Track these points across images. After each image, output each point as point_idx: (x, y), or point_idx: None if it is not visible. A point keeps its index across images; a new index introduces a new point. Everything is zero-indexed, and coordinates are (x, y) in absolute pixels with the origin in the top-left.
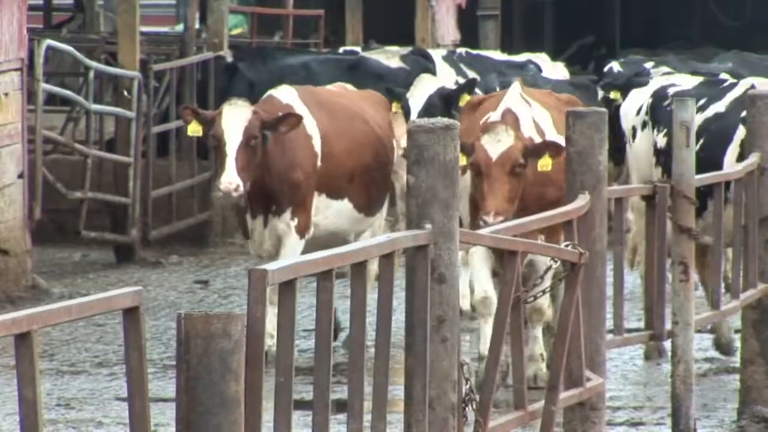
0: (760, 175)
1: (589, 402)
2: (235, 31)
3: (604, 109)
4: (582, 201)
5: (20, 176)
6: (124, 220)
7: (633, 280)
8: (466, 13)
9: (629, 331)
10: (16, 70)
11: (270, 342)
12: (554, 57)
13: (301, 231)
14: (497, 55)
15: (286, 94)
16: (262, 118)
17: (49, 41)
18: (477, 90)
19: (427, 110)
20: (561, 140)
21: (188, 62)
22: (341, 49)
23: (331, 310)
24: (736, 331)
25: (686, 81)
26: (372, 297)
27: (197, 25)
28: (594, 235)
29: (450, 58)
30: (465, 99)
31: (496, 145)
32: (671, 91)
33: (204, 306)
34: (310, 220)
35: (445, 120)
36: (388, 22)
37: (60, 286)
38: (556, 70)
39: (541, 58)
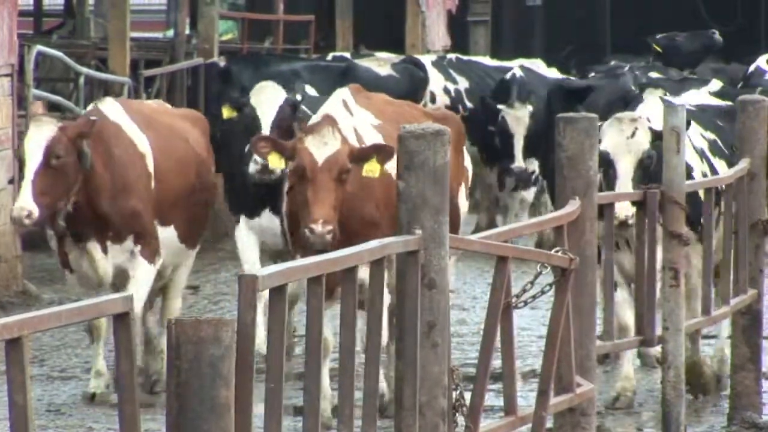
0: (750, 181)
1: (580, 407)
2: (225, 37)
3: (594, 115)
4: (572, 206)
5: (11, 182)
6: None
7: None
8: (457, 19)
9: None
10: (6, 75)
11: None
12: (545, 62)
13: (150, 256)
14: (488, 61)
15: (112, 109)
16: (72, 134)
17: (39, 47)
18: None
19: (280, 124)
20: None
21: (178, 68)
22: (330, 55)
23: (322, 315)
24: (728, 337)
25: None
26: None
27: (188, 31)
28: (584, 241)
29: (439, 64)
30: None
31: (322, 148)
32: None
33: (194, 312)
34: (158, 244)
35: (435, 126)
36: (379, 28)
37: (50, 291)
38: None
39: (536, 64)
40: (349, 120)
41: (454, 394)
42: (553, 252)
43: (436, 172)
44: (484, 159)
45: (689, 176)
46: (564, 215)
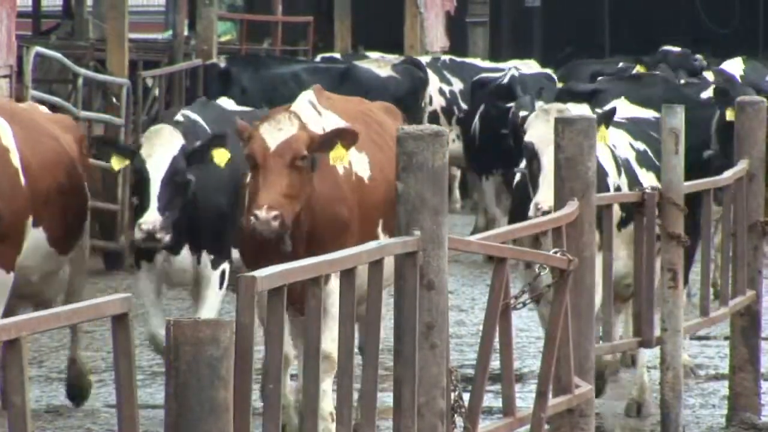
0: (749, 182)
1: (578, 408)
2: (224, 38)
3: (593, 116)
4: (571, 207)
5: None
6: (113, 227)
7: None
8: (456, 20)
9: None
10: (4, 76)
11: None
12: (543, 63)
13: (6, 264)
14: (481, 62)
15: None
16: None
17: (38, 48)
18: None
19: (172, 177)
20: (361, 157)
21: (177, 69)
22: (319, 57)
23: (320, 316)
24: (726, 338)
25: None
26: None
27: (186, 32)
28: (583, 242)
29: (434, 65)
30: (220, 155)
31: (276, 134)
32: None
33: (193, 312)
34: (16, 251)
35: (434, 126)
36: (377, 29)
37: None
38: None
39: (529, 65)
40: (318, 120)
41: (453, 395)
42: (551, 253)
43: (435, 173)
44: (472, 164)
45: (605, 185)
46: (563, 216)
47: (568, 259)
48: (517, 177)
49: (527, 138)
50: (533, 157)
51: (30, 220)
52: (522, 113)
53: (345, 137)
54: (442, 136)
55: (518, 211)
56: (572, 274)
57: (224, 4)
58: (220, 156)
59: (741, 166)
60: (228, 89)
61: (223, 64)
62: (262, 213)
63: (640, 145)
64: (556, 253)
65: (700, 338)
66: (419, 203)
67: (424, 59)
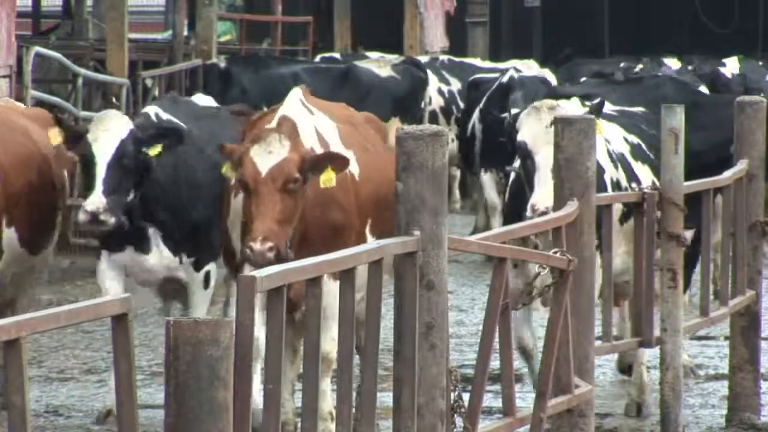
0: (749, 182)
1: (578, 409)
2: (223, 38)
3: (592, 116)
4: (570, 208)
5: None
6: None
7: None
8: (455, 20)
9: (618, 338)
10: (4, 77)
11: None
12: (543, 63)
13: None
14: (481, 63)
15: None
16: None
17: (37, 48)
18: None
19: (119, 160)
20: (349, 154)
21: (177, 69)
22: (318, 57)
23: (320, 316)
24: (725, 338)
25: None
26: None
27: (186, 32)
28: (583, 242)
29: (432, 66)
30: (153, 149)
31: (266, 157)
32: None
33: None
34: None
35: (434, 127)
36: (377, 29)
37: (48, 293)
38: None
39: (528, 65)
40: (310, 119)
41: (453, 396)
42: (551, 253)
43: (435, 173)
44: (468, 164)
45: (602, 181)
46: (562, 216)
47: (568, 260)
48: (512, 176)
49: (519, 137)
50: (527, 156)
51: (4, 221)
52: (514, 110)
53: (336, 161)
54: (442, 136)
55: (513, 211)
56: (572, 274)
57: (224, 4)
58: (153, 150)
59: (741, 166)
60: (228, 89)
61: (223, 64)
62: (257, 246)
63: (634, 139)
64: (555, 253)
65: (700, 338)
66: (419, 203)
67: (423, 59)
